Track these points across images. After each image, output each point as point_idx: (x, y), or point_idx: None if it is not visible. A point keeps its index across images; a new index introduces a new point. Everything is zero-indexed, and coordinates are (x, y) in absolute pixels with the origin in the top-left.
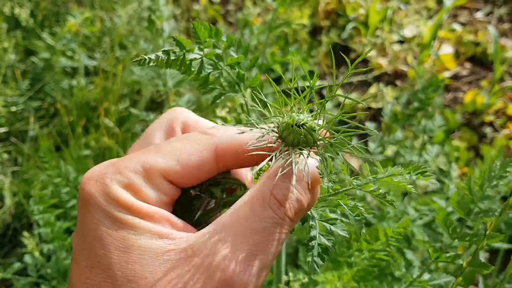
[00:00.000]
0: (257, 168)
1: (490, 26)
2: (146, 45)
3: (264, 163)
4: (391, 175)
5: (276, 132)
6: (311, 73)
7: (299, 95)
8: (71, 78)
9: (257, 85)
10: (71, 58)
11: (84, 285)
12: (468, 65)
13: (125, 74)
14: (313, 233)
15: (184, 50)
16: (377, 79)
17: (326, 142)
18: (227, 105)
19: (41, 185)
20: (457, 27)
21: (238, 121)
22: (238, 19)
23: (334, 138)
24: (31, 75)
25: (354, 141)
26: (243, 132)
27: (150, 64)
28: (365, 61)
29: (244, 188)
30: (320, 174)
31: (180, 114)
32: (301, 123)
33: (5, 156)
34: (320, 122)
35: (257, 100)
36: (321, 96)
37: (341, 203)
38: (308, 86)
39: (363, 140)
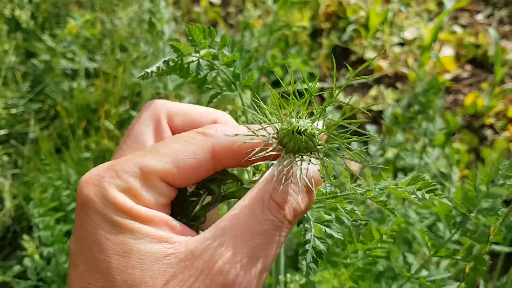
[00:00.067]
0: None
1: (490, 28)
2: (146, 47)
3: (262, 162)
4: (398, 186)
5: (276, 138)
6: (312, 76)
7: (299, 99)
8: (72, 80)
9: (252, 84)
10: (72, 60)
11: None
12: (468, 67)
13: (125, 76)
14: (308, 236)
15: (182, 55)
16: (378, 81)
17: (327, 147)
18: (228, 107)
19: (41, 188)
20: (457, 29)
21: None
22: (238, 21)
23: (334, 144)
24: (31, 77)
25: (355, 144)
26: (237, 135)
27: (153, 76)
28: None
29: (240, 183)
30: (321, 178)
31: (162, 106)
32: (301, 130)
33: (5, 158)
34: (320, 124)
35: (255, 106)
36: (322, 98)
37: (339, 207)
38: (306, 89)
39: (364, 147)
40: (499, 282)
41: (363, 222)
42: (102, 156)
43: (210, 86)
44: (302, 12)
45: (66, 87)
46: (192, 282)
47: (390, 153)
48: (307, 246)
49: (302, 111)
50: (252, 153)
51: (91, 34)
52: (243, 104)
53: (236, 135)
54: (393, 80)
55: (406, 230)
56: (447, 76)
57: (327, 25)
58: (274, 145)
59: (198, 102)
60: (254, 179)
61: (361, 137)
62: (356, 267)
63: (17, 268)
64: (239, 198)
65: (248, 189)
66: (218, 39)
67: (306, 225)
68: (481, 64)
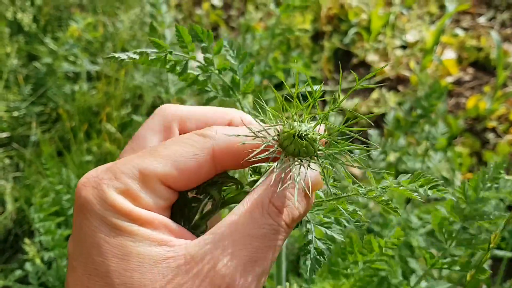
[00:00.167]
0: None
1: (492, 31)
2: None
3: (261, 164)
4: (400, 184)
5: (276, 140)
6: (314, 79)
7: (302, 102)
8: (73, 83)
9: (251, 91)
10: (74, 63)
11: None
12: (470, 70)
13: (127, 79)
14: (309, 237)
15: (167, 51)
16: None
17: (327, 153)
18: None
19: (42, 193)
20: (459, 32)
21: None
22: (240, 24)
23: (335, 151)
24: (33, 80)
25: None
26: (239, 135)
27: (124, 61)
28: (367, 67)
29: (241, 186)
30: (323, 180)
31: (173, 111)
32: (303, 135)
33: (7, 161)
34: (322, 128)
35: (258, 107)
36: (323, 101)
37: (340, 208)
38: (309, 92)
39: (367, 153)
40: (502, 287)
41: (366, 224)
42: (104, 159)
43: (208, 89)
44: (304, 15)
45: (68, 90)
46: (191, 286)
47: (392, 156)
48: (309, 247)
49: (304, 115)
50: (252, 154)
51: (93, 37)
52: (242, 110)
53: (238, 135)
54: (395, 83)
55: (408, 235)
56: (449, 79)
57: (329, 28)
58: (274, 147)
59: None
60: (252, 179)
61: (362, 146)
62: (357, 277)
63: (18, 272)
64: (239, 202)
65: (248, 193)
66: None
67: (308, 226)
68: (483, 67)
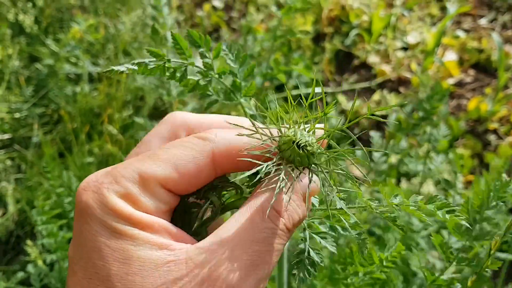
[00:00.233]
0: (249, 173)
1: (494, 33)
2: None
3: (258, 168)
4: (417, 206)
5: (276, 141)
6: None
7: (304, 105)
8: (75, 85)
9: (252, 94)
10: (75, 64)
11: None
12: (472, 72)
13: (128, 81)
14: (303, 246)
15: (165, 60)
16: (381, 86)
17: (322, 168)
18: (231, 114)
19: (44, 195)
20: (461, 34)
21: None
22: (241, 25)
23: (330, 169)
24: (35, 81)
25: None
26: (242, 135)
27: (122, 74)
28: (369, 68)
29: (240, 191)
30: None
31: (182, 119)
32: (302, 145)
33: (9, 162)
34: (321, 132)
35: (261, 108)
36: (326, 103)
37: (342, 219)
38: (308, 96)
39: (366, 157)
40: None
41: (367, 238)
42: (106, 161)
43: (209, 93)
44: (305, 17)
45: (69, 91)
46: None
47: (394, 158)
48: (302, 256)
49: (310, 126)
50: (248, 147)
51: (94, 38)
52: (245, 113)
53: (236, 134)
54: (396, 84)
55: (410, 237)
56: (450, 81)
57: (330, 30)
58: (272, 147)
59: (202, 108)
60: (251, 184)
61: (359, 159)
62: (358, 286)
63: (20, 274)
64: (239, 207)
65: (247, 198)
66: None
67: (303, 234)
68: (484, 68)
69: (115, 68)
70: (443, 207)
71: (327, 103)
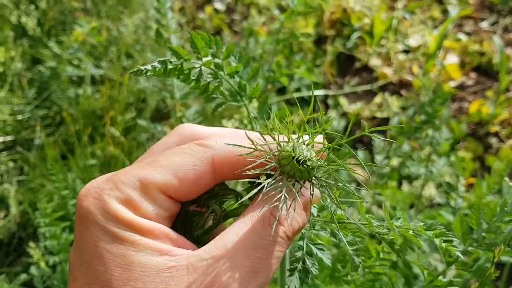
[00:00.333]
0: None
1: (495, 36)
2: (152, 55)
3: (259, 188)
4: (416, 229)
5: (275, 156)
6: (316, 84)
7: (305, 107)
8: (78, 87)
9: (257, 95)
10: (78, 67)
11: None
12: (473, 75)
13: (131, 83)
14: (299, 254)
15: (182, 60)
16: (382, 88)
17: (323, 182)
18: (234, 116)
19: (47, 198)
20: (462, 37)
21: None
22: (243, 28)
23: (331, 183)
24: (37, 83)
25: (360, 154)
26: (242, 155)
27: (148, 74)
28: (370, 71)
29: (240, 198)
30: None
31: (191, 131)
32: (301, 161)
33: (11, 164)
34: (320, 139)
35: (263, 116)
36: (326, 105)
37: (340, 234)
38: (310, 98)
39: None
40: None
41: (362, 259)
42: (108, 163)
43: (215, 95)
44: (307, 19)
45: (72, 93)
46: None
47: (395, 161)
48: (296, 264)
49: (309, 140)
50: (248, 167)
51: (97, 41)
52: (249, 115)
53: (236, 143)
54: (398, 87)
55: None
56: (452, 84)
57: (331, 32)
58: (271, 163)
59: (204, 111)
60: (251, 191)
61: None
62: (359, 283)
63: (23, 276)
64: (240, 215)
65: (248, 205)
66: (223, 48)
67: (299, 243)
68: (485, 72)
69: (142, 68)
70: (441, 236)
71: (326, 113)
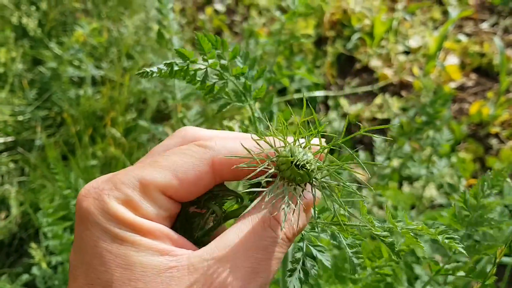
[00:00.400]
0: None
1: (495, 37)
2: (153, 55)
3: (263, 195)
4: (416, 232)
5: (274, 162)
6: (316, 85)
7: (307, 109)
8: (78, 88)
9: (262, 96)
10: (78, 67)
11: None
12: (473, 76)
13: (131, 84)
14: (298, 255)
15: (188, 61)
16: (383, 89)
17: (322, 183)
18: (235, 118)
19: (49, 198)
20: (462, 38)
21: (245, 132)
22: (243, 29)
23: (331, 182)
24: (38, 84)
25: (362, 155)
26: (241, 166)
27: (154, 76)
28: (370, 72)
29: (241, 200)
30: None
31: (193, 134)
32: (300, 165)
33: (12, 165)
34: (317, 141)
35: (264, 119)
36: (326, 106)
37: (340, 237)
38: (311, 99)
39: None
40: None
41: (362, 260)
42: (109, 164)
43: (219, 96)
44: (307, 20)
45: (72, 94)
46: None
47: (396, 162)
48: (296, 265)
49: (306, 143)
50: (248, 176)
51: (97, 42)
52: (253, 116)
53: (236, 143)
54: (398, 88)
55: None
56: (452, 85)
57: (332, 33)
58: (271, 169)
59: (205, 112)
60: (251, 193)
61: (356, 183)
62: (364, 283)
63: (25, 277)
64: (240, 216)
65: (248, 207)
66: (230, 49)
67: (300, 244)
68: (486, 73)
69: (148, 69)
70: (443, 233)
71: (327, 114)
